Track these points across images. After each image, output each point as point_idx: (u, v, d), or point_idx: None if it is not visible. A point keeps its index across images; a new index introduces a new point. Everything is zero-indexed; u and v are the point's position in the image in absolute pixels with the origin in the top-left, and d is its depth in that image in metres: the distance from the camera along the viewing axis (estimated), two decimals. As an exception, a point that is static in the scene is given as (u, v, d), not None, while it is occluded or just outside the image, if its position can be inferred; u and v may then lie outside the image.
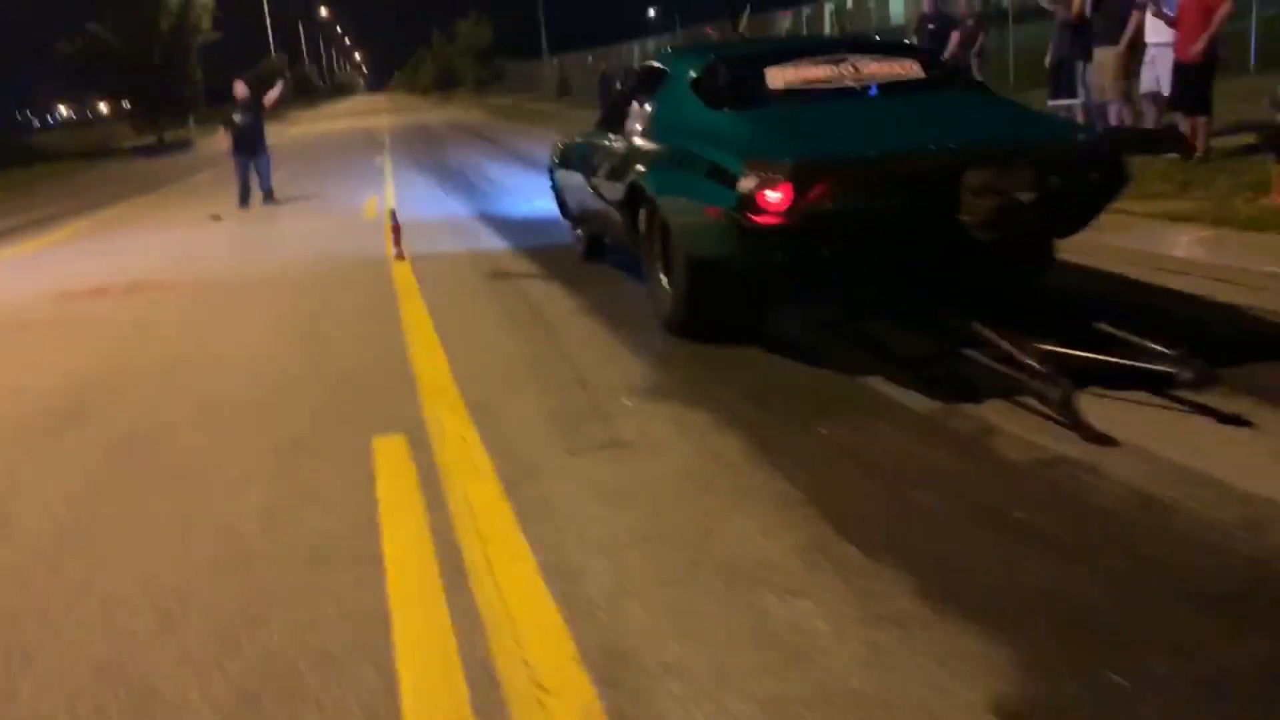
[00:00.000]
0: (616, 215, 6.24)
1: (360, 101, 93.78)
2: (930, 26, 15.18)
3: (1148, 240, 6.78)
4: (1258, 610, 2.60)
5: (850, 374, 4.69)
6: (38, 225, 15.60)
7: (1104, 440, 3.67)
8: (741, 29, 10.36)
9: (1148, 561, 2.86)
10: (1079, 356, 4.07)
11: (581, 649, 2.65)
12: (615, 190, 6.18)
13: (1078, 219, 4.80)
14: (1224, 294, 5.41)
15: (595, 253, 7.89)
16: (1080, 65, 11.25)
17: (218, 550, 3.46)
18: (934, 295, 4.93)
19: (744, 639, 2.64)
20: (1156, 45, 9.57)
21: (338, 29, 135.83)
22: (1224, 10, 8.82)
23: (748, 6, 6.90)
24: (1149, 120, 10.03)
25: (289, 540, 3.49)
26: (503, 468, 3.94)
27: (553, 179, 8.54)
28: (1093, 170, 4.65)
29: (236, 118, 14.45)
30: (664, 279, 5.59)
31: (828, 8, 30.88)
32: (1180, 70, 9.10)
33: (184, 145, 38.34)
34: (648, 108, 6.21)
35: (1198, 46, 8.81)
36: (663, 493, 3.60)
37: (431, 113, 47.44)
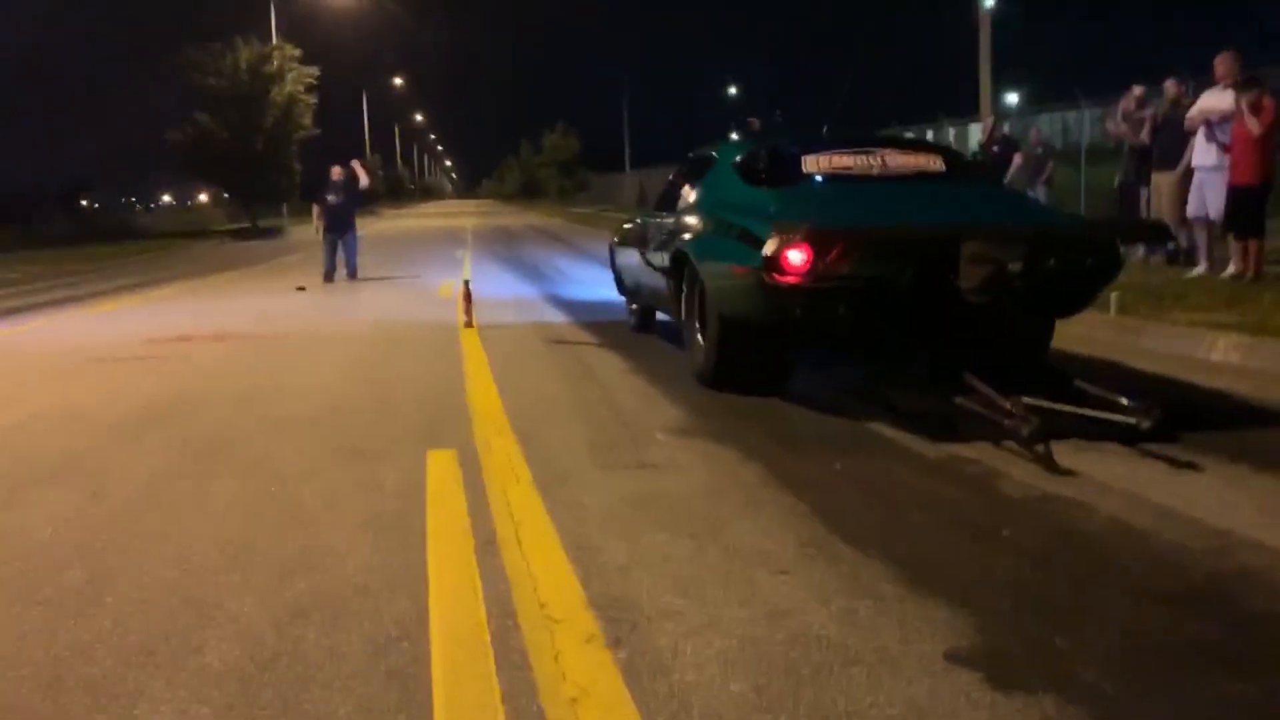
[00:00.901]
0: (663, 282, 6.88)
1: (447, 204, 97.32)
2: (994, 149, 15.84)
3: (1175, 341, 7.03)
4: (1204, 609, 2.85)
5: (865, 422, 5.08)
6: (134, 289, 16.62)
7: (1068, 473, 4.09)
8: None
9: (1114, 568, 3.14)
10: (1055, 406, 4.52)
11: (591, 596, 3.00)
12: (663, 259, 6.85)
13: (1074, 298, 5.35)
14: (1221, 382, 5.90)
15: (646, 326, 8.51)
16: (1144, 190, 11.68)
17: (279, 517, 3.89)
18: (938, 356, 5.39)
19: (735, 599, 2.96)
20: (1204, 170, 9.89)
21: (430, 135, 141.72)
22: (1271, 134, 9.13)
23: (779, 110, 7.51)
24: (1200, 244, 10.28)
25: (342, 513, 3.90)
26: (539, 475, 4.32)
27: (612, 258, 9.21)
28: (1087, 254, 5.15)
29: (330, 198, 15.47)
30: (699, 337, 6.10)
31: (906, 136, 31.72)
32: (1234, 194, 9.34)
33: (277, 232, 40.19)
34: (696, 188, 6.91)
35: (1253, 170, 9.07)
36: (681, 500, 3.94)
37: (514, 217, 49.17)
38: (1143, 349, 7.10)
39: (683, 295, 6.43)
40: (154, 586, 3.22)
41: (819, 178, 6.12)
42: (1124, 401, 4.42)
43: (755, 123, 6.08)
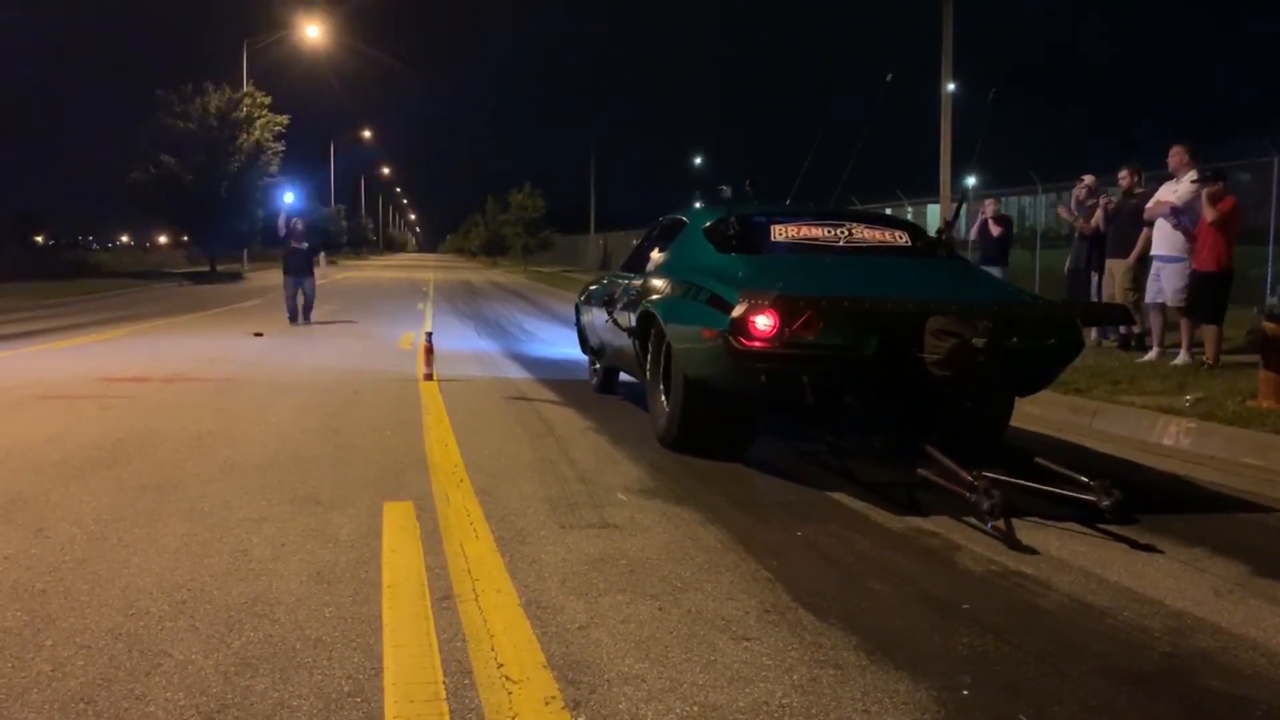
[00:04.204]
0: (629, 342, 6.89)
1: (410, 257, 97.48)
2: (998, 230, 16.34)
3: (1128, 424, 7.14)
4: (1164, 688, 2.85)
5: (826, 491, 5.09)
6: (90, 327, 16.35)
7: (1028, 549, 4.13)
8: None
9: (1075, 647, 3.13)
10: (1016, 482, 4.59)
11: (549, 657, 2.94)
12: (629, 319, 6.87)
13: (1035, 377, 5.47)
14: (1176, 466, 6.02)
15: (608, 386, 8.57)
16: (1094, 275, 11.93)
17: (231, 564, 3.78)
18: (899, 428, 5.40)
19: (697, 664, 2.92)
20: (1160, 258, 10.13)
21: (397, 189, 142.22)
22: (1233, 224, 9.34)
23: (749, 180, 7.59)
24: (1154, 330, 10.48)
25: (295, 563, 3.80)
26: (498, 532, 4.26)
27: (578, 316, 9.32)
28: (1049, 334, 5.23)
29: (293, 244, 16.44)
30: (663, 398, 6.14)
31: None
32: (1196, 280, 9.50)
33: (235, 277, 39.88)
34: (665, 251, 7.02)
35: (1214, 258, 9.24)
36: (641, 561, 3.90)
37: (477, 273, 49.25)
38: (1097, 430, 7.22)
39: (648, 356, 6.44)
40: (97, 630, 3.10)
41: (787, 247, 6.24)
42: (1085, 480, 4.46)
43: (725, 190, 6.27)
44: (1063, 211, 13.81)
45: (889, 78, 10.10)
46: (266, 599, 3.40)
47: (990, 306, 5.10)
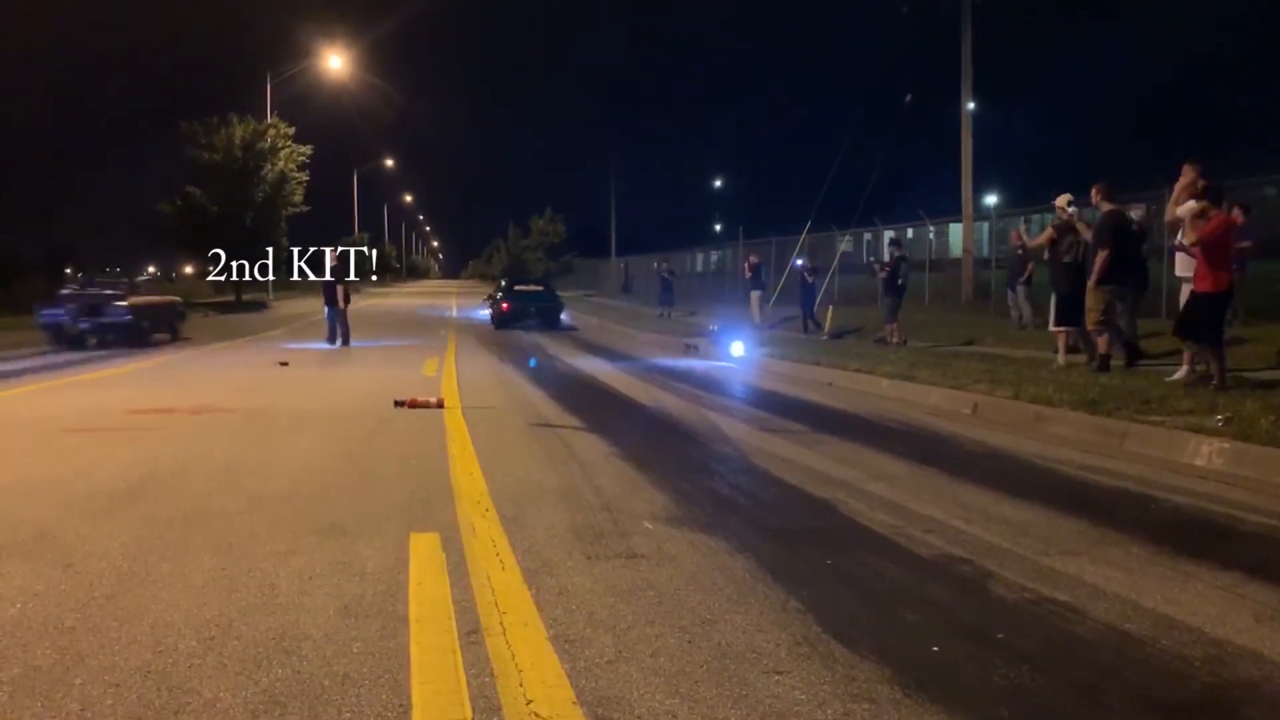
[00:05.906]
0: (490, 310, 28.74)
1: (433, 284, 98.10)
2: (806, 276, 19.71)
3: (1160, 444, 7.04)
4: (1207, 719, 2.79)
5: (864, 526, 5.01)
6: (116, 359, 16.48)
7: (1061, 575, 4.01)
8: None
9: (1114, 676, 3.08)
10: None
11: (579, 693, 2.91)
12: (492, 303, 29.10)
13: (556, 316, 27.71)
14: (1202, 488, 5.89)
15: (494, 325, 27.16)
16: (1020, 289, 11.74)
17: (258, 598, 3.78)
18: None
19: (728, 700, 2.88)
20: (1184, 279, 9.99)
21: (419, 216, 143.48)
22: (1245, 247, 9.23)
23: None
24: (1186, 350, 10.29)
25: (322, 597, 3.80)
26: (525, 563, 4.24)
27: (488, 302, 30.87)
28: (556, 306, 28.26)
29: (329, 278, 18.55)
30: (493, 319, 27.79)
31: (886, 234, 32.31)
32: (1195, 300, 9.33)
33: (261, 306, 40.20)
34: (499, 285, 31.61)
35: (1207, 279, 9.09)
36: (669, 592, 3.87)
37: (497, 298, 49.46)
38: (1128, 451, 7.12)
39: (492, 311, 27.37)
40: (125, 668, 3.10)
41: (517, 290, 28.76)
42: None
43: (501, 281, 29.38)
44: (1014, 237, 13.74)
45: (908, 98, 10.31)
46: (294, 634, 3.39)
47: (534, 303, 27.62)
